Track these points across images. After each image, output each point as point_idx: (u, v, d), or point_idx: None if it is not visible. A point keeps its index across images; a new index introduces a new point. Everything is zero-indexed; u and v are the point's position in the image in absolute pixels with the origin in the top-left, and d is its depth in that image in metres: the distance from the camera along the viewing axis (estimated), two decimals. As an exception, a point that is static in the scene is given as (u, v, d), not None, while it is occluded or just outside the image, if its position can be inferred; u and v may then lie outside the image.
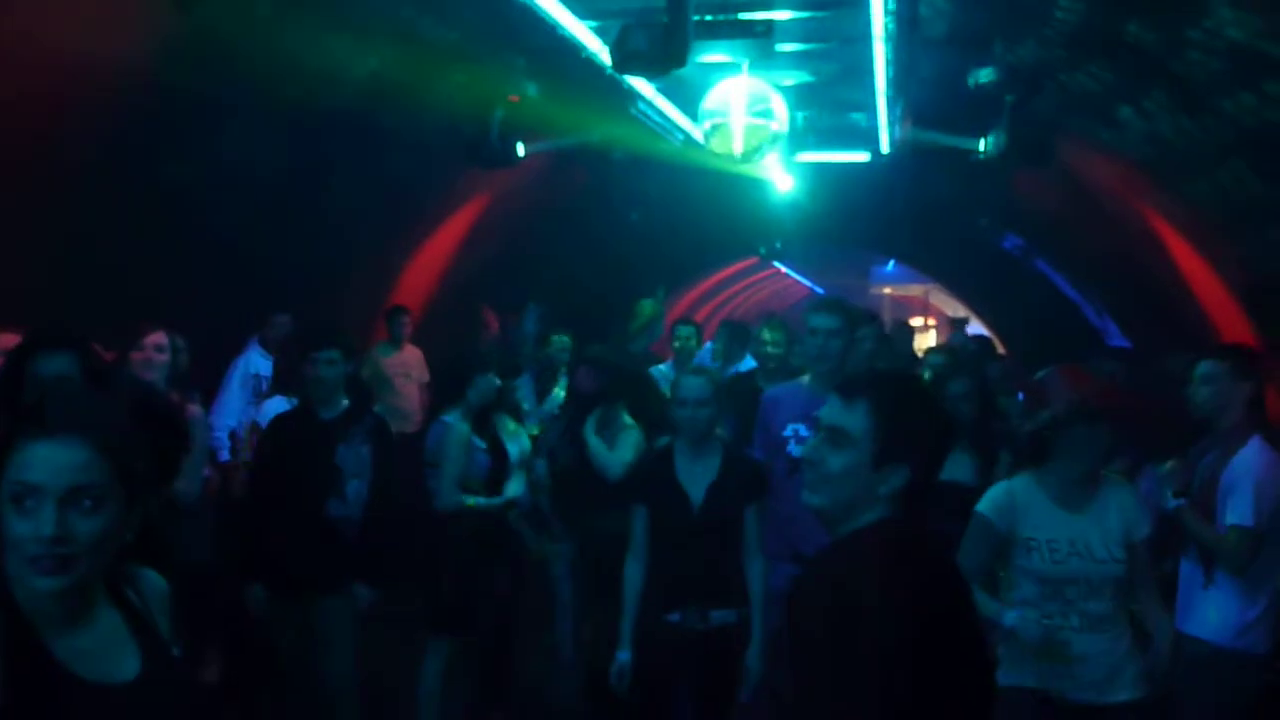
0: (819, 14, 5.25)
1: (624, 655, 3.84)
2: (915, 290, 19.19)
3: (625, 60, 3.98)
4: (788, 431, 4.19)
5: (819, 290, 20.30)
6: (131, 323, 4.93)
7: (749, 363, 6.81)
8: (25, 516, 1.50)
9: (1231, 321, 6.94)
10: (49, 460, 1.51)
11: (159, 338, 4.11)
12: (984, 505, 3.34)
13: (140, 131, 4.94)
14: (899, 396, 2.04)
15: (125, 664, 1.64)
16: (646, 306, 7.05)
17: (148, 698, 1.63)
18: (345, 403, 4.33)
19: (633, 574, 3.89)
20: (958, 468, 4.04)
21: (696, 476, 3.84)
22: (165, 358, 4.11)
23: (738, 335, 7.17)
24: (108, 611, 1.66)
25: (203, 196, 5.57)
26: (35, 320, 4.13)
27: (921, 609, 1.86)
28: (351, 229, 7.00)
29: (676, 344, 7.04)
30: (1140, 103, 5.64)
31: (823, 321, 4.17)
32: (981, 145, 6.23)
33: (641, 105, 6.69)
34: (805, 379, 4.32)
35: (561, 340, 6.59)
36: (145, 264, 5.44)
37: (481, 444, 4.76)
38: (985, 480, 3.97)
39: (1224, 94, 4.88)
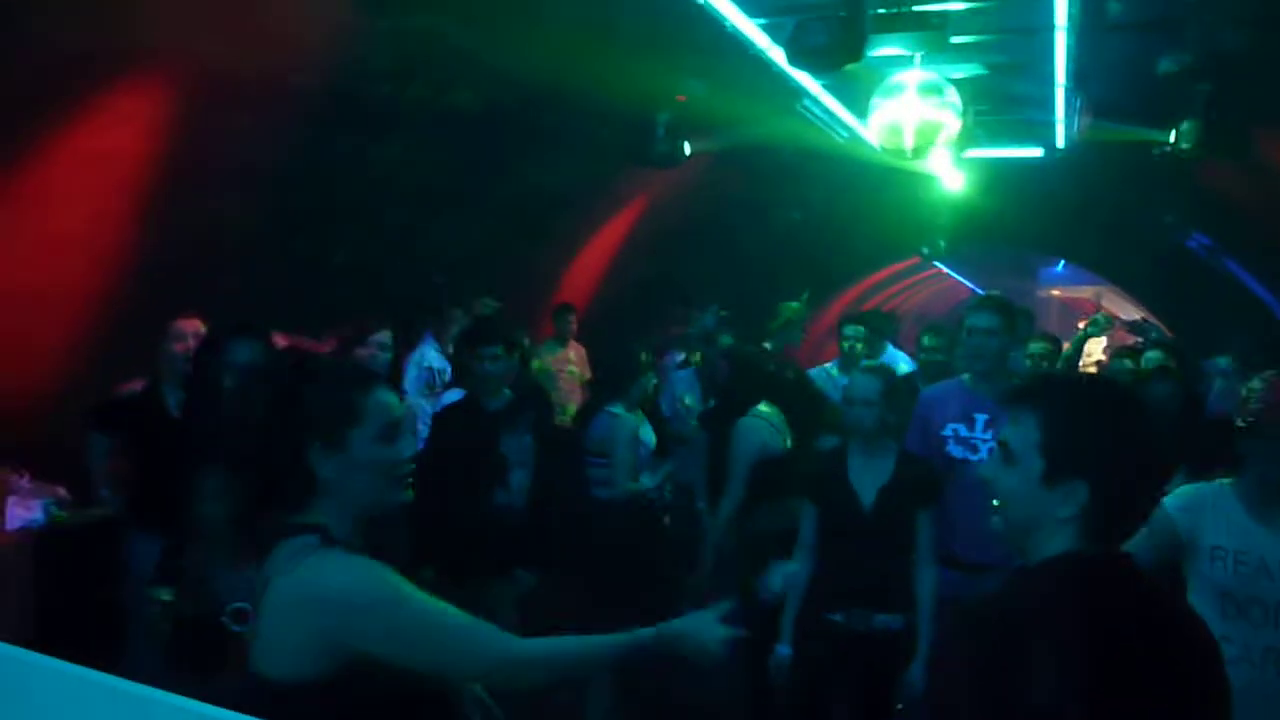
0: (996, 3, 5.09)
1: (784, 649, 3.85)
2: (1086, 292, 18.34)
3: (801, 55, 3.96)
4: (946, 431, 4.08)
5: (980, 292, 19.68)
6: (321, 319, 5.27)
7: (898, 357, 6.74)
8: (393, 444, 1.93)
9: None
10: (392, 400, 1.97)
11: (383, 336, 4.39)
12: (1169, 499, 3.11)
13: (319, 133, 5.19)
14: (1070, 401, 1.79)
15: None
16: (787, 308, 7.00)
17: None
18: (509, 394, 4.49)
19: (799, 571, 3.87)
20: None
21: (868, 477, 3.80)
22: (387, 355, 4.38)
23: (876, 325, 7.04)
24: None
25: (378, 199, 5.84)
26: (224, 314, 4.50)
27: (1097, 664, 1.59)
28: (520, 228, 7.19)
29: (844, 344, 6.97)
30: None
31: (981, 320, 4.06)
32: (1172, 138, 5.89)
33: (807, 102, 6.65)
34: (965, 378, 4.21)
35: (726, 340, 6.62)
36: (317, 265, 5.76)
37: (646, 437, 4.92)
38: None
39: None
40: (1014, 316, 4.25)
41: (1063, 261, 16.56)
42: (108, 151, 4.46)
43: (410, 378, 6.46)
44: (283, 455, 1.88)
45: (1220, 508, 3.02)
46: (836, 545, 3.82)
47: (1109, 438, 1.72)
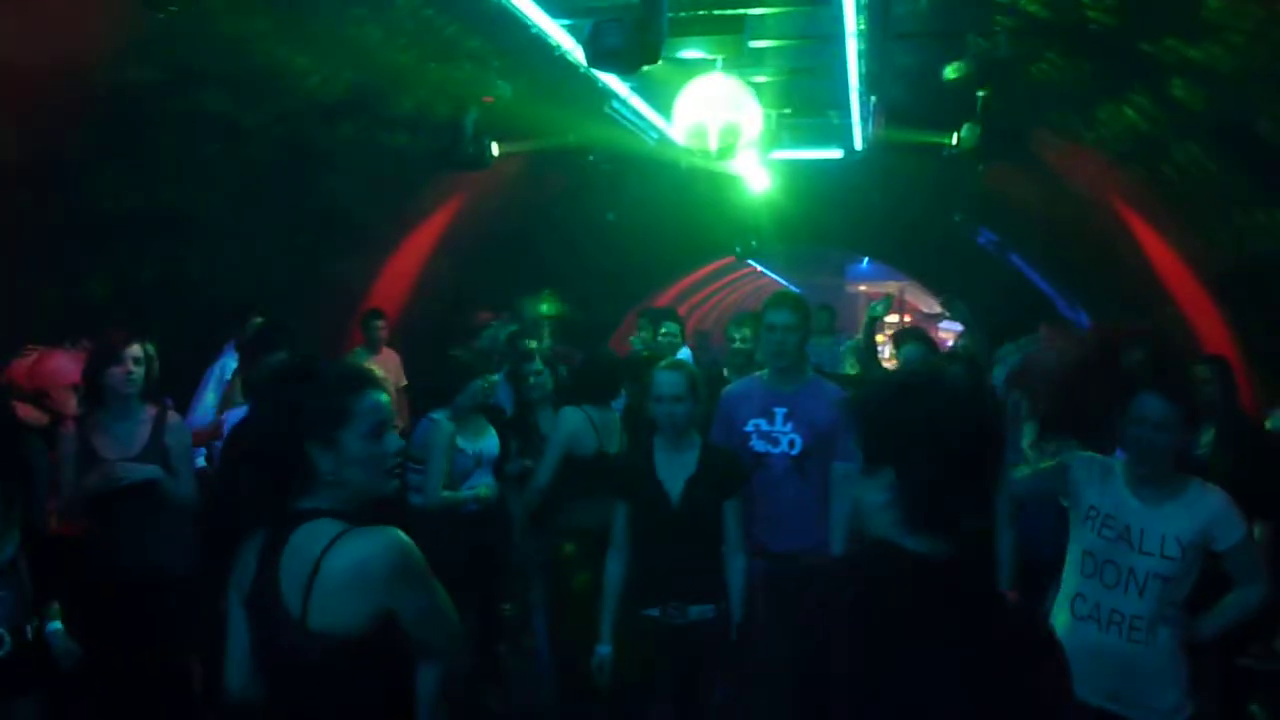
0: (791, 10, 5.25)
1: (604, 649, 3.87)
2: (890, 287, 19.24)
3: (599, 57, 3.97)
4: (749, 427, 4.22)
5: (794, 289, 20.37)
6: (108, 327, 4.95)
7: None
8: (381, 441, 2.21)
9: (1203, 310, 7.02)
10: (382, 401, 2.23)
11: (135, 350, 4.13)
12: (1080, 454, 3.35)
13: (116, 138, 4.88)
14: (876, 398, 2.00)
15: None
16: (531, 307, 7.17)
17: None
18: None
19: (613, 569, 3.92)
20: None
21: (675, 471, 3.86)
22: (141, 369, 4.14)
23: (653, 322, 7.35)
24: None
25: (185, 204, 5.53)
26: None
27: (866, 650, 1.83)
28: (325, 232, 6.95)
29: (663, 340, 7.12)
30: (1110, 92, 5.69)
31: (779, 317, 4.21)
32: (954, 139, 6.24)
33: (615, 104, 6.69)
34: (764, 373, 4.34)
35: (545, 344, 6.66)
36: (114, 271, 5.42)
37: (465, 445, 4.87)
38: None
39: (1193, 82, 4.93)
40: (809, 312, 4.41)
41: (867, 259, 17.31)
42: None
43: (208, 390, 6.15)
44: (286, 451, 2.16)
45: (1111, 474, 3.23)
46: (648, 540, 3.87)
47: (907, 427, 1.87)
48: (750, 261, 15.95)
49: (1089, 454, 3.36)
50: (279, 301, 6.55)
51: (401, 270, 8.53)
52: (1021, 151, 6.23)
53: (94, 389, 4.10)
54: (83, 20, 4.00)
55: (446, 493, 4.84)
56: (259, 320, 6.35)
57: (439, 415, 4.92)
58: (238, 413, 4.74)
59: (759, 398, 4.24)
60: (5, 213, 4.62)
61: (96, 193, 5.03)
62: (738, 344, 6.31)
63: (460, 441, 4.92)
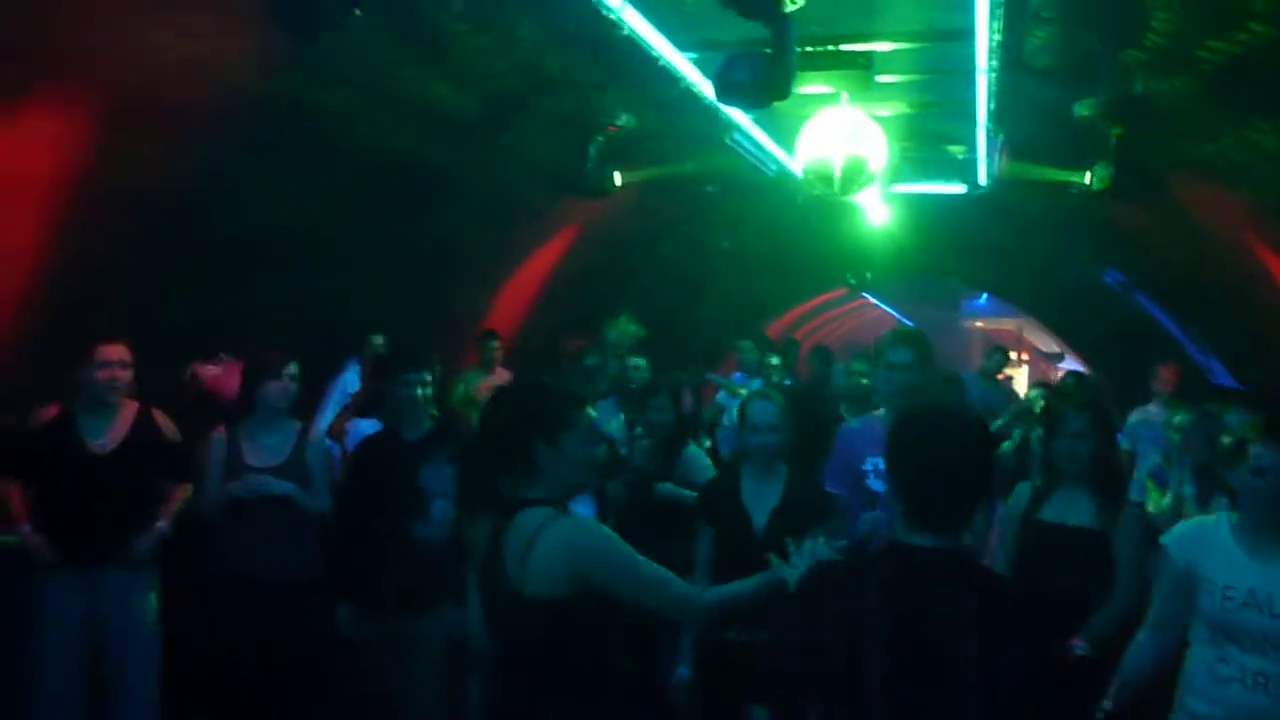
0: (921, 46, 5.20)
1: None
2: (1008, 324, 18.78)
3: (728, 91, 4.00)
4: (867, 465, 4.16)
5: (907, 322, 20.02)
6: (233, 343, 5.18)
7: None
8: (593, 446, 2.79)
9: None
10: (593, 414, 2.80)
11: (292, 368, 4.37)
12: (1168, 537, 3.25)
13: (240, 165, 5.10)
14: (900, 419, 2.44)
15: None
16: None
17: None
18: (429, 424, 4.44)
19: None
20: (1076, 510, 3.88)
21: (760, 500, 3.91)
22: (296, 385, 4.44)
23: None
24: None
25: (306, 228, 5.75)
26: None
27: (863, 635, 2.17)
28: (445, 256, 7.13)
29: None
30: (1248, 133, 5.47)
31: (898, 355, 4.14)
32: (1086, 179, 6.06)
33: (737, 135, 6.71)
34: (882, 412, 4.27)
35: (637, 362, 6.68)
36: (244, 290, 5.66)
37: None
38: (1108, 524, 3.83)
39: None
40: (929, 349, 4.32)
41: (985, 295, 16.93)
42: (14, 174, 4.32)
43: (333, 404, 6.35)
44: (517, 448, 2.66)
45: (1215, 541, 3.12)
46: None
47: (910, 443, 2.30)
48: (864, 294, 15.77)
49: (1173, 533, 3.26)
50: (399, 322, 6.76)
51: (518, 293, 8.68)
52: (1156, 191, 6.02)
53: (248, 400, 4.35)
54: (224, 44, 4.19)
55: None
56: (380, 339, 6.59)
57: None
58: (366, 425, 4.90)
59: (879, 436, 4.17)
60: (142, 234, 4.87)
61: (223, 214, 5.26)
62: (859, 379, 6.26)
63: None
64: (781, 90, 3.88)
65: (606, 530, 2.69)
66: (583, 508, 5.01)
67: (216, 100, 4.54)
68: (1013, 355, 19.77)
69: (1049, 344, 18.25)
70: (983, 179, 7.70)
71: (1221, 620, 3.04)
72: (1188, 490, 4.31)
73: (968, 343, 19.63)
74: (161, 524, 4.34)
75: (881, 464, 4.12)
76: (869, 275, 11.83)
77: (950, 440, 2.25)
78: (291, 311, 6.00)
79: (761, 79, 3.83)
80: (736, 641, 3.82)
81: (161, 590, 4.38)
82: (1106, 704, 3.21)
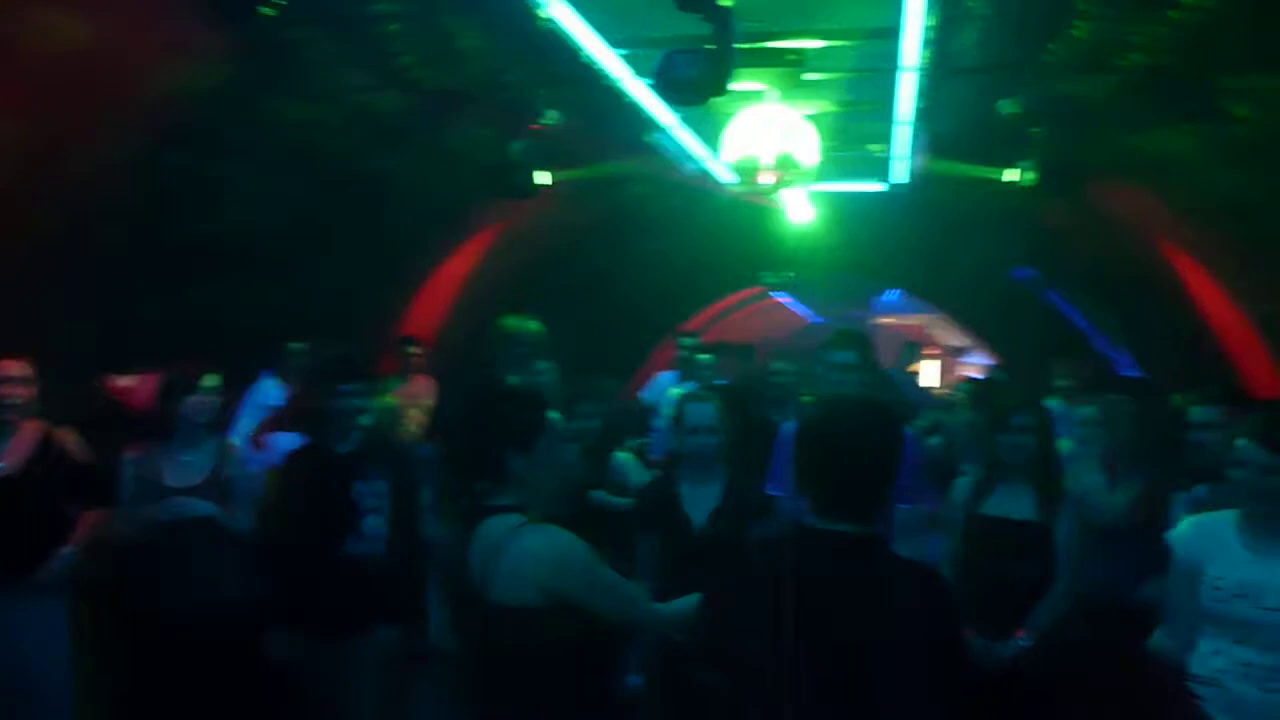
0: (852, 44, 5.18)
1: (634, 680, 3.90)
2: (915, 320, 19.12)
3: (669, 86, 3.91)
4: None
5: (817, 319, 20.21)
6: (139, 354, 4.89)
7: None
8: (563, 450, 2.88)
9: (1249, 348, 6.89)
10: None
11: (213, 380, 4.14)
12: (1173, 534, 3.27)
13: (161, 169, 4.85)
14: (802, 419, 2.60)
15: None
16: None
17: None
18: (358, 436, 4.24)
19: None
20: (1019, 504, 3.97)
21: (700, 502, 3.89)
22: (217, 400, 4.23)
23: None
24: None
25: (217, 228, 5.48)
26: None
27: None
28: (362, 257, 6.89)
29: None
30: (1163, 135, 5.61)
31: (842, 357, 4.15)
32: (1016, 176, 6.13)
33: (659, 134, 6.62)
34: None
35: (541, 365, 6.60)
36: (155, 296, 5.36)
37: None
38: (1049, 517, 3.91)
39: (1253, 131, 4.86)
40: (871, 350, 4.33)
41: (897, 291, 17.20)
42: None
43: (247, 418, 6.07)
44: (490, 455, 2.65)
45: (1218, 536, 3.13)
46: (672, 569, 3.87)
47: (815, 433, 2.35)
48: (777, 293, 15.87)
49: (1178, 529, 3.27)
50: (317, 328, 6.50)
51: (437, 297, 8.47)
52: (1078, 190, 6.12)
53: (166, 417, 4.09)
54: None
55: None
56: (299, 347, 6.33)
57: None
58: (286, 439, 4.67)
59: None
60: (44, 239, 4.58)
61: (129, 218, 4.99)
62: (780, 378, 6.24)
63: None
64: (722, 86, 3.82)
65: (580, 542, 2.62)
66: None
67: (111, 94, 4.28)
68: (922, 349, 20.15)
69: (957, 339, 18.65)
70: (902, 177, 7.75)
71: (1212, 611, 3.07)
72: (1097, 479, 4.34)
73: (877, 339, 19.90)
74: (67, 550, 4.05)
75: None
76: (791, 274, 11.87)
77: (854, 429, 2.29)
78: (198, 320, 5.71)
79: (704, 74, 3.76)
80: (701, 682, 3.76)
81: (72, 625, 4.09)
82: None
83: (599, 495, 4.94)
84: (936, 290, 13.20)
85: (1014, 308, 10.75)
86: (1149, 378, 8.32)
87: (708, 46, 3.74)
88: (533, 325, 6.95)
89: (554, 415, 2.76)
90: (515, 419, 2.69)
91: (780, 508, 4.13)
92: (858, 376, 4.11)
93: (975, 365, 15.65)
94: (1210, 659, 3.10)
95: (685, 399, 4.24)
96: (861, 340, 4.26)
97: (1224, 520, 3.17)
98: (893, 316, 19.90)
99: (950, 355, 20.16)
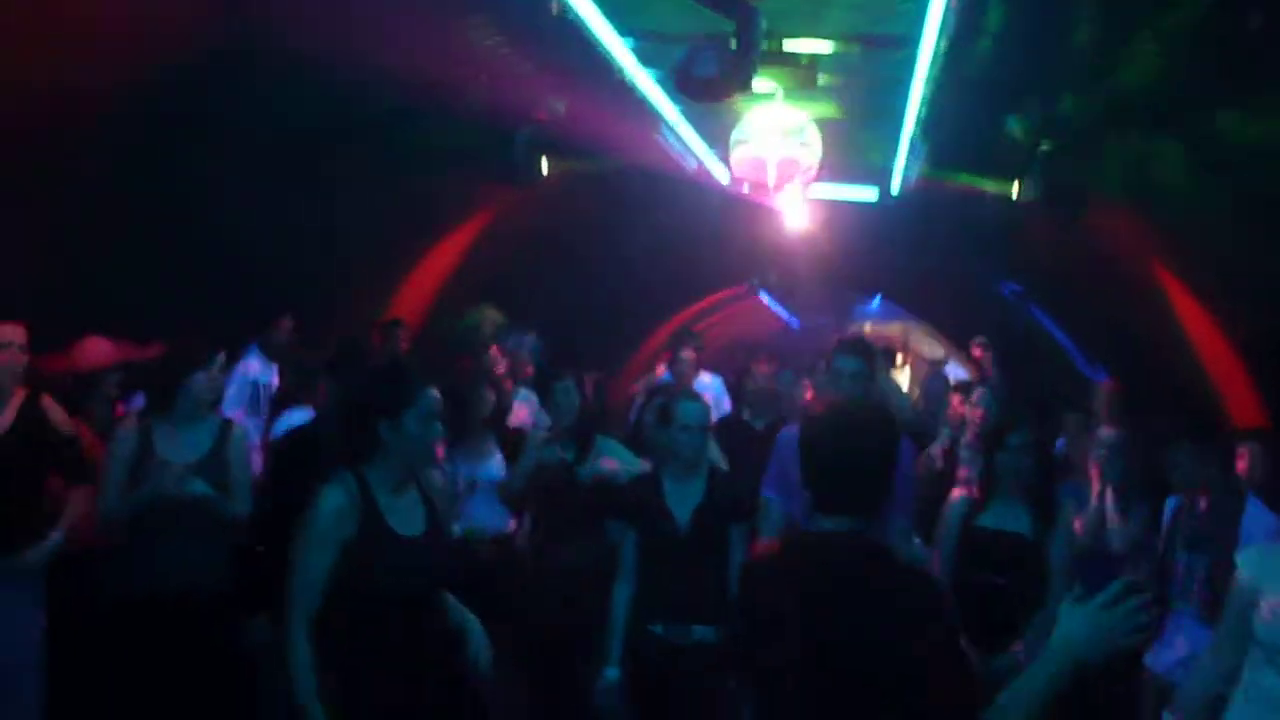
0: (860, 50, 5.18)
1: (612, 672, 3.92)
2: (894, 328, 19.20)
3: (689, 83, 3.91)
4: None
5: (795, 323, 20.26)
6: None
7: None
8: (432, 424, 2.99)
9: (1231, 373, 6.97)
10: (434, 394, 3.00)
11: (220, 357, 4.16)
12: (1241, 556, 3.20)
13: (146, 131, 4.77)
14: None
15: (419, 524, 3.01)
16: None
17: (430, 546, 3.02)
18: None
19: (621, 595, 4.00)
20: (1014, 519, 4.03)
21: (683, 499, 3.96)
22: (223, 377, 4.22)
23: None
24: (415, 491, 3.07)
25: (203, 200, 5.41)
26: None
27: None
28: (358, 237, 6.84)
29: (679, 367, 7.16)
30: (1156, 158, 5.67)
31: (850, 364, 4.18)
32: (1014, 192, 6.17)
33: (664, 128, 6.60)
34: None
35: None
36: (140, 267, 5.28)
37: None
38: (1042, 534, 3.99)
39: (1242, 156, 4.92)
40: (876, 358, 4.37)
41: (878, 298, 17.27)
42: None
43: (231, 393, 6.00)
44: (360, 424, 2.92)
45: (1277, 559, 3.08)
46: (655, 565, 3.96)
47: (816, 433, 2.44)
48: (761, 293, 15.90)
49: (1258, 549, 3.25)
50: (297, 307, 6.46)
51: (426, 280, 8.42)
52: (1081, 210, 6.17)
53: (169, 392, 4.01)
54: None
55: None
56: (289, 323, 6.27)
57: None
58: (298, 415, 4.63)
59: None
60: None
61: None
62: (757, 384, 6.31)
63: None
64: (743, 85, 3.82)
65: (320, 509, 2.87)
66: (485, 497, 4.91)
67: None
68: (898, 358, 20.24)
69: (934, 349, 18.73)
70: (895, 187, 7.77)
71: (1265, 639, 2.97)
72: (1110, 507, 4.50)
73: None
74: (56, 534, 3.97)
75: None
76: (772, 276, 11.90)
77: (853, 429, 2.39)
78: (184, 292, 5.64)
79: (725, 73, 3.76)
80: (664, 640, 3.80)
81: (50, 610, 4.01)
82: (1168, 715, 3.23)
83: (591, 470, 4.93)
84: (920, 300, 13.27)
85: (998, 321, 10.82)
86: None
87: (731, 44, 3.73)
88: (493, 314, 6.98)
89: (432, 394, 2.97)
90: (388, 392, 2.93)
91: (771, 509, 4.18)
92: (862, 385, 4.13)
93: (953, 378, 15.72)
94: (1252, 689, 3.03)
95: (677, 398, 4.28)
96: (866, 348, 4.29)
97: None
98: (871, 323, 19.99)
99: (928, 365, 20.28)
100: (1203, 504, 4.13)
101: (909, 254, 10.19)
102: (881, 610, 2.21)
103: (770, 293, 15.93)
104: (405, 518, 2.97)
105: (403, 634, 2.88)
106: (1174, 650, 4.03)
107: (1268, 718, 3.00)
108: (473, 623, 3.15)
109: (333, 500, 2.86)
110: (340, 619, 2.84)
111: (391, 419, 2.89)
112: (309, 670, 2.79)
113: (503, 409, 6.36)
